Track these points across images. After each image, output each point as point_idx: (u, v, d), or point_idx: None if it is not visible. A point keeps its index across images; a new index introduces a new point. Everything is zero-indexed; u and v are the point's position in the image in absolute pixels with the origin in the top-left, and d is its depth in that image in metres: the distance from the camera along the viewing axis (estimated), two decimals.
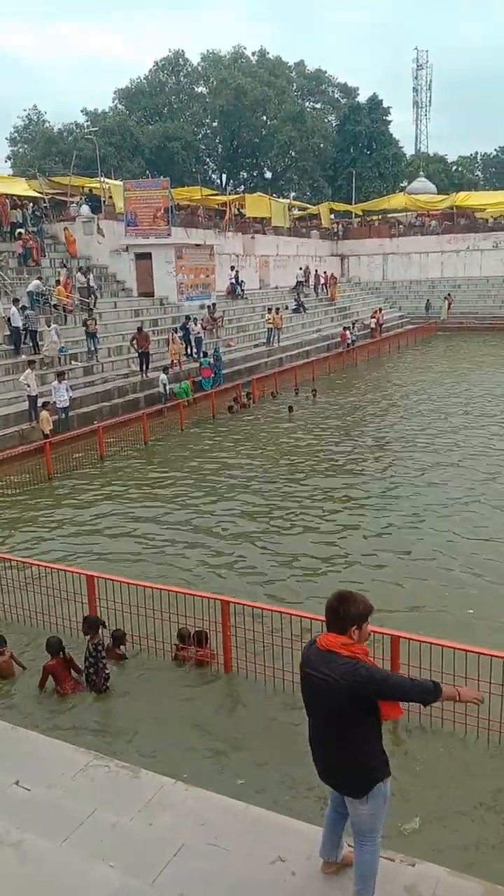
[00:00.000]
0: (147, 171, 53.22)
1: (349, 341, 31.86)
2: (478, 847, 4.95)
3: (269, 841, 4.40)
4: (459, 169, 75.18)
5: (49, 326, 19.76)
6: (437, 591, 9.06)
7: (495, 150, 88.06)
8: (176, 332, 23.08)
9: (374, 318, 36.93)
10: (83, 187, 34.49)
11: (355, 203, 53.10)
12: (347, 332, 32.38)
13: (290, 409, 20.67)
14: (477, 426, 18.24)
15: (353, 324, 34.63)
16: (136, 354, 21.20)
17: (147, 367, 21.02)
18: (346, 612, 3.65)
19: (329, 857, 4.10)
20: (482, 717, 5.80)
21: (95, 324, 20.79)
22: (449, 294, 42.39)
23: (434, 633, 6.60)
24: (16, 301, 19.18)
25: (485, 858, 4.78)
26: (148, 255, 27.11)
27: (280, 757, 5.85)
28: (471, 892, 3.97)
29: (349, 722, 3.59)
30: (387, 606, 8.47)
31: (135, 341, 21.09)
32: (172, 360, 22.01)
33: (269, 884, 4.07)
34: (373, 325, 36.40)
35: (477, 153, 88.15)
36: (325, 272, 40.02)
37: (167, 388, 20.19)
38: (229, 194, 48.62)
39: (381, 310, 38.67)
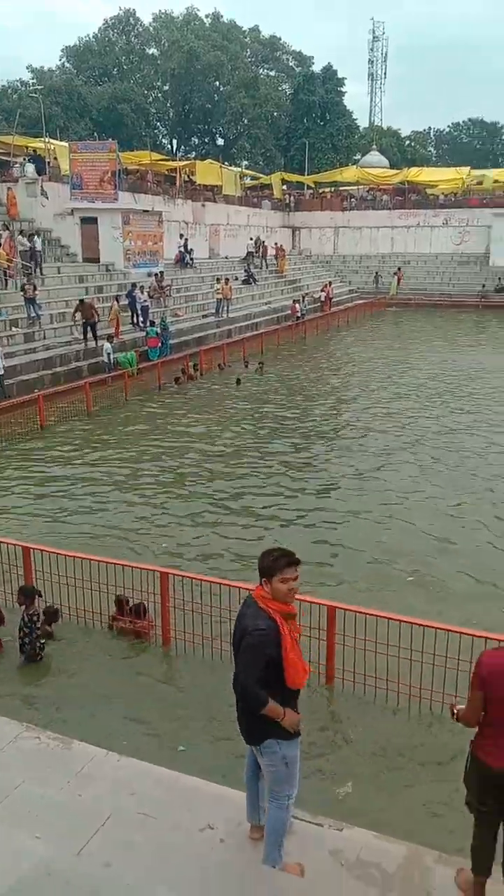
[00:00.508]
0: (95, 134, 51.57)
1: (299, 314, 31.83)
2: (409, 810, 5.07)
3: (201, 809, 4.41)
4: (412, 144, 75.34)
5: None
6: (378, 557, 9.20)
7: (448, 126, 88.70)
8: (118, 300, 22.62)
9: (324, 291, 36.93)
10: (27, 147, 33.31)
11: (308, 174, 52.75)
12: (297, 304, 32.32)
13: (238, 381, 20.56)
14: (421, 399, 18.47)
15: (303, 297, 34.56)
16: (80, 324, 20.70)
17: (95, 337, 20.51)
18: (259, 565, 3.76)
19: (252, 820, 4.15)
20: (414, 685, 5.92)
21: (35, 289, 20.14)
22: (399, 269, 42.63)
23: (372, 604, 6.69)
24: None
25: (415, 821, 4.89)
26: (94, 220, 26.40)
27: (217, 726, 5.86)
28: (394, 855, 4.07)
29: None
30: (326, 571, 8.58)
31: (77, 313, 20.59)
32: (111, 322, 21.54)
33: (197, 851, 4.09)
34: (323, 299, 36.42)
35: (430, 128, 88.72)
36: (275, 243, 39.74)
37: (111, 357, 19.82)
38: (180, 160, 47.58)
39: (330, 283, 38.67)
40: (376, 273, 43.21)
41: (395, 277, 41.91)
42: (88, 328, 20.50)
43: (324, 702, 6.27)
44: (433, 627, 5.93)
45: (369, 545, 9.66)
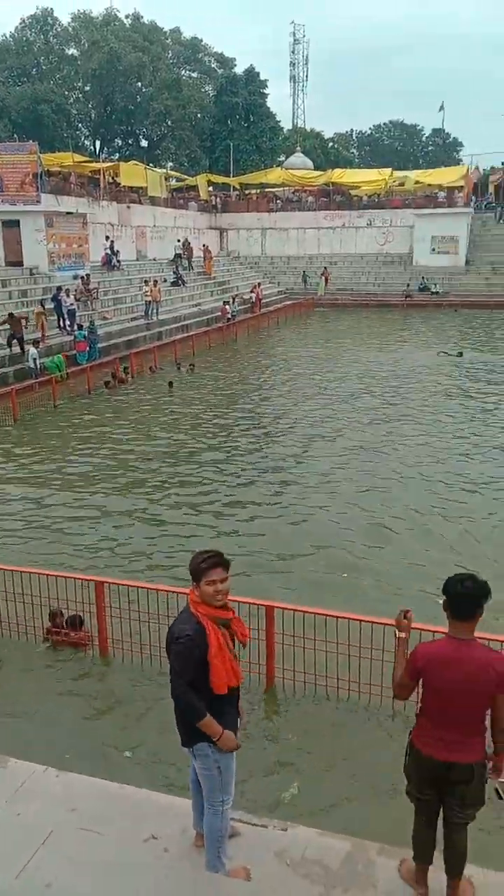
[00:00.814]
0: (14, 135, 50.35)
1: (229, 316, 31.86)
2: (353, 805, 5.12)
3: (144, 820, 4.35)
4: (335, 146, 76.50)
5: None
6: (311, 557, 9.28)
7: (369, 128, 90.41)
8: (43, 304, 22.14)
9: (254, 292, 37.11)
10: None
11: (233, 176, 52.84)
12: (227, 306, 32.36)
13: (171, 384, 20.42)
14: (351, 399, 18.74)
15: (233, 298, 34.62)
16: (7, 336, 20.16)
17: (22, 348, 19.93)
18: (189, 568, 3.73)
19: (198, 827, 4.12)
20: (353, 680, 6.00)
21: None
22: (325, 269, 43.20)
23: (310, 601, 6.74)
24: None
25: (359, 815, 4.94)
26: (16, 223, 25.82)
27: (161, 733, 5.79)
28: (338, 850, 4.10)
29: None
30: (266, 571, 8.61)
31: (5, 325, 20.08)
32: (37, 327, 21.07)
33: (142, 863, 4.03)
34: (252, 300, 36.58)
35: (352, 130, 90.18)
36: (203, 245, 39.68)
37: (37, 362, 19.39)
38: (103, 161, 46.93)
39: (259, 285, 38.88)
40: (304, 273, 43.67)
41: (323, 278, 42.45)
42: (15, 340, 20.00)
43: (264, 703, 6.28)
44: (370, 622, 6.00)
45: (300, 540, 9.76)
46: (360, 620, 5.89)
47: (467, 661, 3.50)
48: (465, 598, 3.53)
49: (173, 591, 6.63)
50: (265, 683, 6.37)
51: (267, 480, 12.49)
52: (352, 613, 6.18)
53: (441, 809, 3.74)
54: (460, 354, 24.07)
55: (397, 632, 3.90)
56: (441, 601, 3.63)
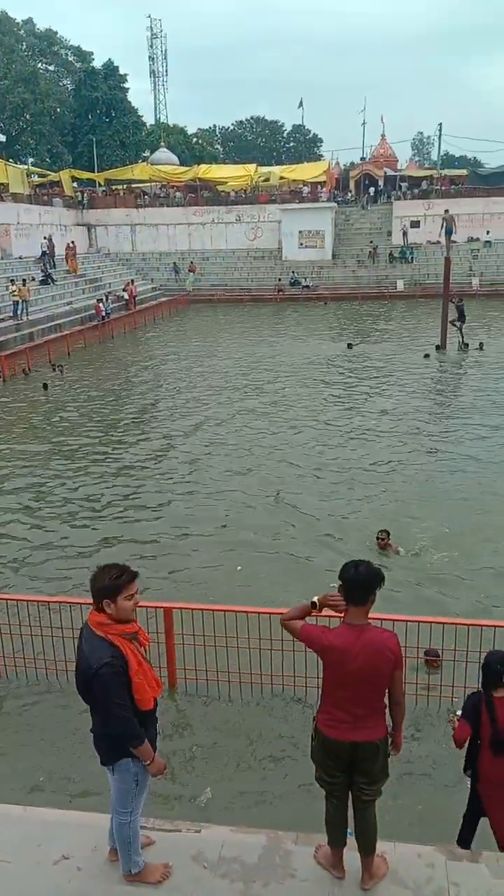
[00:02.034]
0: None
1: (104, 314, 31.21)
2: (265, 799, 5.15)
3: (54, 840, 4.21)
4: (200, 142, 76.53)
5: None
6: (203, 556, 9.29)
7: (232, 124, 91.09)
8: None
9: (127, 290, 36.55)
10: None
11: (98, 171, 51.73)
12: (101, 304, 31.67)
13: (45, 386, 19.77)
14: (225, 389, 18.87)
15: (107, 296, 33.93)
16: None
17: None
18: (93, 587, 3.59)
19: (111, 842, 4.02)
20: (254, 672, 6.04)
21: None
22: (192, 262, 43.32)
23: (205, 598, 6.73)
24: None
25: (273, 808, 4.99)
26: None
27: (69, 752, 5.61)
28: (254, 845, 4.12)
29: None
30: (158, 575, 8.51)
31: None
32: None
33: (54, 886, 3.89)
34: (126, 297, 36.02)
35: (216, 126, 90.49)
36: (71, 242, 38.58)
37: None
38: None
39: (133, 282, 38.34)
40: (175, 263, 43.70)
41: (189, 272, 42.52)
42: None
43: (170, 707, 6.20)
44: (267, 613, 6.04)
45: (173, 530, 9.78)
46: (259, 613, 5.94)
47: (366, 649, 3.59)
48: (358, 583, 3.62)
49: (66, 602, 6.44)
50: (168, 686, 6.30)
51: (146, 478, 12.36)
52: (248, 607, 6.23)
53: (350, 791, 3.84)
54: (350, 346, 24.75)
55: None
56: (336, 586, 3.69)
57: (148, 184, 50.66)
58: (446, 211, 38.45)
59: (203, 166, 51.85)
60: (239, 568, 8.88)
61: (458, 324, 23.79)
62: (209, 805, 5.09)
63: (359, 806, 3.81)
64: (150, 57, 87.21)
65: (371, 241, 43.50)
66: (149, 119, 75.95)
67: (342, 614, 3.69)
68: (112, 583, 3.54)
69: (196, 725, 6.01)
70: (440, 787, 5.16)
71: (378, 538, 8.97)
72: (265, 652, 5.96)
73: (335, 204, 45.99)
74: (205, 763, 5.55)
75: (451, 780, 5.02)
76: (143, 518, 10.69)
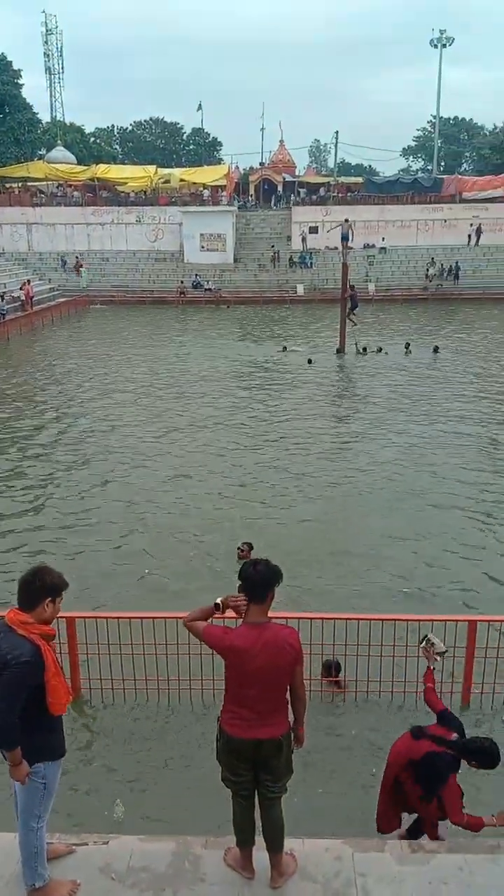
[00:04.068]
0: None
1: None
2: (178, 805, 5.09)
3: None
4: (97, 141, 75.19)
5: None
6: (109, 557, 9.14)
7: (131, 124, 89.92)
8: None
9: (24, 290, 35.46)
10: None
11: None
12: None
13: None
14: (128, 392, 18.65)
15: (2, 296, 32.78)
16: None
17: None
18: (38, 585, 3.50)
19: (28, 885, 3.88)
20: (161, 678, 5.99)
21: None
22: (77, 258, 42.90)
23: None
24: None
25: (185, 814, 4.93)
26: None
27: None
28: (164, 852, 4.08)
29: None
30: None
31: None
32: None
33: None
34: (23, 298, 34.94)
35: (114, 126, 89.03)
36: None
37: None
38: None
39: (29, 282, 37.21)
40: (62, 258, 43.43)
41: (83, 269, 42.10)
42: None
43: (75, 718, 6.05)
44: (170, 618, 5.99)
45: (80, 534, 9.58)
46: (165, 618, 5.89)
47: (267, 647, 3.62)
48: (257, 581, 3.66)
49: None
50: (72, 696, 6.13)
51: (60, 484, 12.05)
52: (154, 612, 6.18)
53: (256, 790, 3.85)
54: (284, 349, 24.89)
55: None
56: (237, 585, 3.71)
57: (44, 182, 49.35)
58: (346, 220, 39.41)
59: (102, 166, 51.03)
60: (146, 571, 8.80)
61: (352, 315, 24.93)
62: (126, 817, 4.96)
63: (265, 804, 3.84)
64: (45, 53, 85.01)
65: (273, 246, 44.08)
66: (44, 117, 73.95)
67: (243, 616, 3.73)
68: (61, 581, 3.55)
69: (101, 733, 5.89)
70: (346, 779, 5.28)
71: (239, 549, 8.77)
72: (171, 657, 5.91)
73: (236, 207, 46.31)
74: (112, 773, 5.44)
75: (361, 773, 5.13)
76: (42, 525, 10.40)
